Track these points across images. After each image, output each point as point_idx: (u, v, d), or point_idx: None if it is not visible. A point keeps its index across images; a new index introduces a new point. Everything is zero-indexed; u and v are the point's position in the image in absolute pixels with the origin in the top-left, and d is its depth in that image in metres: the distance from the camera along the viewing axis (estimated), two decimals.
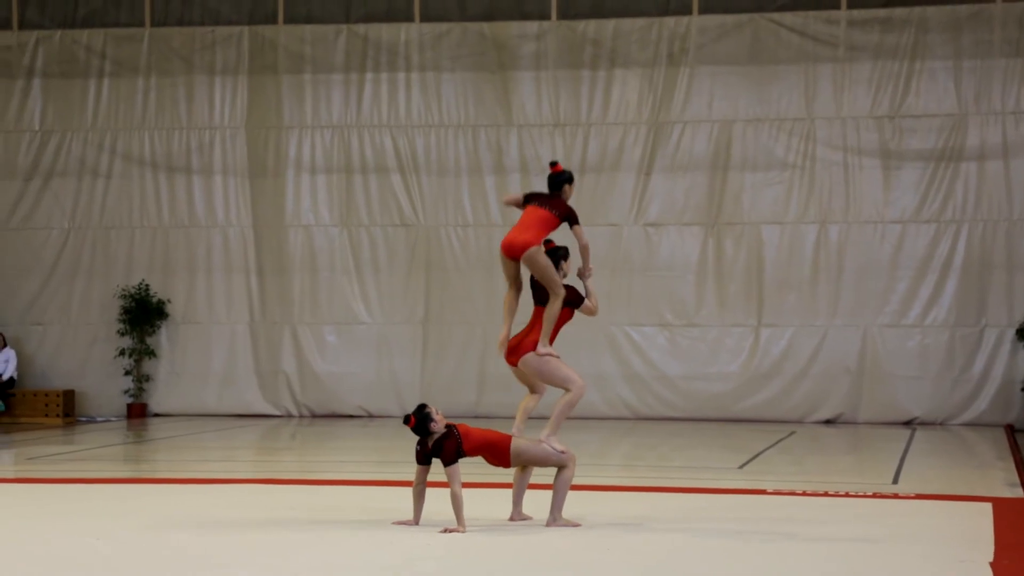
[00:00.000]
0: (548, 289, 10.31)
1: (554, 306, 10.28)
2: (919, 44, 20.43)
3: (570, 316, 10.47)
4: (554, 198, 10.50)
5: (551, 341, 10.32)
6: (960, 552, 9.13)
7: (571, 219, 10.44)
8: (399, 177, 21.51)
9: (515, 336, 10.38)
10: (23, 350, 22.11)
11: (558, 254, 10.38)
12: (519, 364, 10.30)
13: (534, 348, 10.25)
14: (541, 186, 11.08)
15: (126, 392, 21.92)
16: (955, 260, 20.32)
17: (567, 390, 10.29)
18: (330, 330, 21.65)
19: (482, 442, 10.05)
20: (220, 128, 21.89)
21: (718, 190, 20.83)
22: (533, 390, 10.47)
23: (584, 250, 10.53)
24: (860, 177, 20.56)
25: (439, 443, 9.94)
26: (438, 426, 9.97)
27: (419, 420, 9.95)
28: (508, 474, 10.55)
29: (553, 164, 10.73)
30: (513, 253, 10.31)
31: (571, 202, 10.59)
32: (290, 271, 21.72)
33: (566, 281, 10.41)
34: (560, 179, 10.57)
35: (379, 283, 21.58)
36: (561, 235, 10.47)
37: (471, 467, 10.27)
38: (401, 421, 10.06)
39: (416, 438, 10.07)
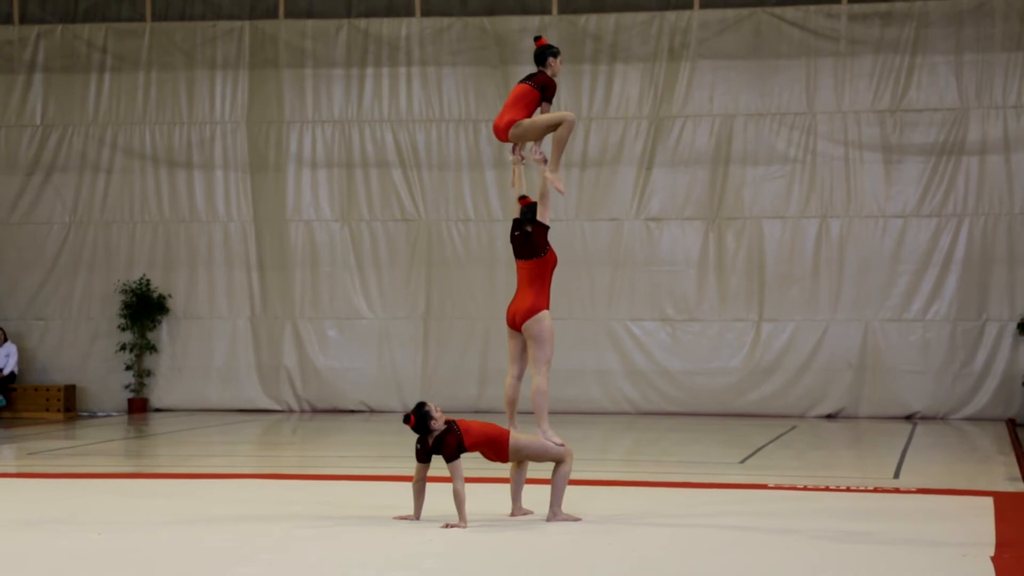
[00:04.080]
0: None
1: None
2: (920, 38, 20.41)
3: (554, 262, 10.43)
4: (537, 73, 10.58)
5: (547, 298, 10.34)
6: (961, 546, 9.13)
7: (545, 91, 10.48)
8: (400, 172, 21.51)
9: (511, 305, 10.40)
10: (24, 345, 22.11)
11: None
12: (522, 329, 10.30)
13: (533, 314, 10.23)
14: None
15: (127, 387, 21.92)
16: (956, 254, 20.31)
17: (537, 370, 10.24)
18: (331, 325, 21.65)
19: (482, 437, 10.04)
20: (221, 123, 21.88)
21: (719, 184, 20.82)
22: (515, 362, 10.39)
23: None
24: (861, 171, 20.55)
25: (440, 439, 9.93)
26: (438, 423, 9.95)
27: (419, 419, 9.93)
28: (507, 469, 10.54)
29: (537, 39, 10.79)
30: (501, 136, 10.50)
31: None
32: (291, 266, 21.72)
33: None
34: (544, 53, 10.64)
35: (380, 278, 21.58)
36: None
37: (469, 462, 10.26)
38: (401, 420, 10.05)
39: (416, 436, 10.06)
